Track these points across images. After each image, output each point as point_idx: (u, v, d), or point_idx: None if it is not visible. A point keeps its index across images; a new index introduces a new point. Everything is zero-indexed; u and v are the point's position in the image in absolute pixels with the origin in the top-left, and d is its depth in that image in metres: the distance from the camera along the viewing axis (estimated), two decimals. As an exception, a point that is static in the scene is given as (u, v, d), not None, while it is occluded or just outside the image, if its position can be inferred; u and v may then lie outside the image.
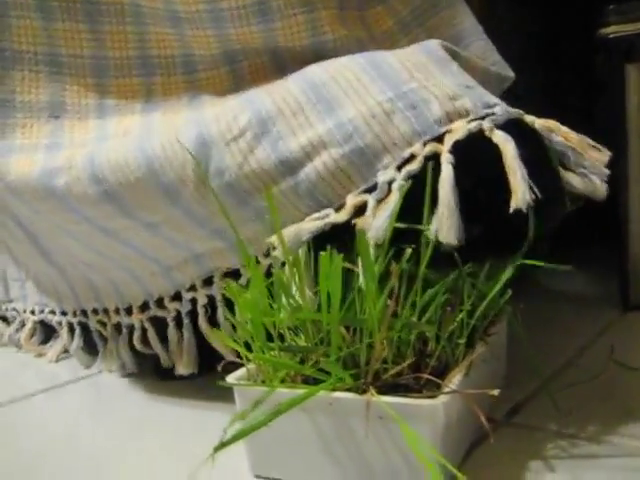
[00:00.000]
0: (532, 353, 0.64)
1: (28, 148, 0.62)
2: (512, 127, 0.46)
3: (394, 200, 0.44)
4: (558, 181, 0.48)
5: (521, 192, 0.43)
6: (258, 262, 0.53)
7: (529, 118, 0.48)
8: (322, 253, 0.42)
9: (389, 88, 0.48)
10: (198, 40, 0.63)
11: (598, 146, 0.50)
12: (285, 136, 0.49)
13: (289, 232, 0.48)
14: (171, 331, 0.62)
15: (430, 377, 0.41)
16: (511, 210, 0.43)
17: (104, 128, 0.63)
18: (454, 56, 0.53)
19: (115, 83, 0.65)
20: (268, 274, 0.51)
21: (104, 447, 0.54)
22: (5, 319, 0.82)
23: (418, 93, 0.47)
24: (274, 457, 0.46)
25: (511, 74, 0.67)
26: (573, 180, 0.49)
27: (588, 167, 0.49)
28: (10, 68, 0.67)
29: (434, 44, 0.53)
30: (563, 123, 0.50)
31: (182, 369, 0.62)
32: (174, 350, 0.62)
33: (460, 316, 0.44)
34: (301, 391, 0.41)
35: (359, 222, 0.45)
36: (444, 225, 0.43)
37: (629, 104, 0.72)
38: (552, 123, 0.49)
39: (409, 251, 0.43)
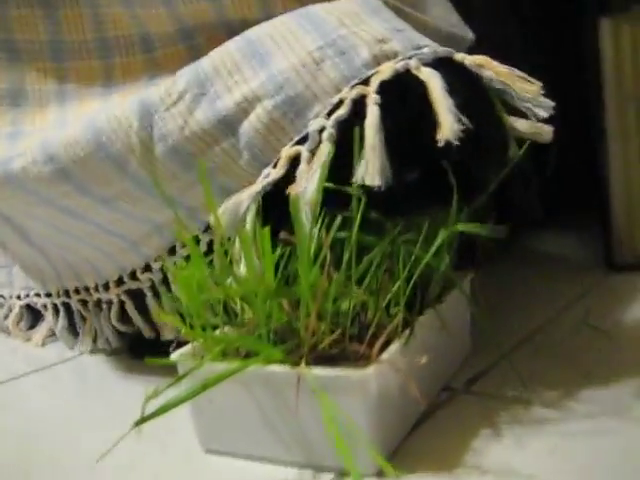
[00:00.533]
0: (498, 321, 0.64)
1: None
2: (443, 68, 0.46)
3: (324, 153, 0.44)
4: (501, 127, 0.47)
5: (448, 122, 0.42)
6: (198, 238, 0.53)
7: (458, 55, 0.48)
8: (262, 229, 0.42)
9: (319, 37, 0.48)
10: (152, 18, 0.63)
11: (529, 78, 0.49)
12: (222, 95, 0.50)
13: (228, 205, 0.48)
14: (149, 300, 0.62)
15: (356, 346, 0.41)
16: (440, 143, 0.42)
17: (64, 114, 0.63)
18: (394, 9, 0.53)
19: (74, 66, 0.65)
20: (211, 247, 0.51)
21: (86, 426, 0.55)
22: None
23: (347, 39, 0.47)
24: (220, 431, 0.46)
25: (470, 35, 0.66)
26: (518, 124, 0.48)
27: (531, 101, 0.48)
28: None
29: None
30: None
31: (168, 334, 0.62)
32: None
33: (397, 284, 0.44)
34: (233, 365, 0.41)
35: (292, 190, 0.45)
36: (369, 167, 0.43)
37: (605, 60, 0.70)
38: (482, 58, 0.48)
39: (340, 217, 0.42)
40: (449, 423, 0.47)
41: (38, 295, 0.76)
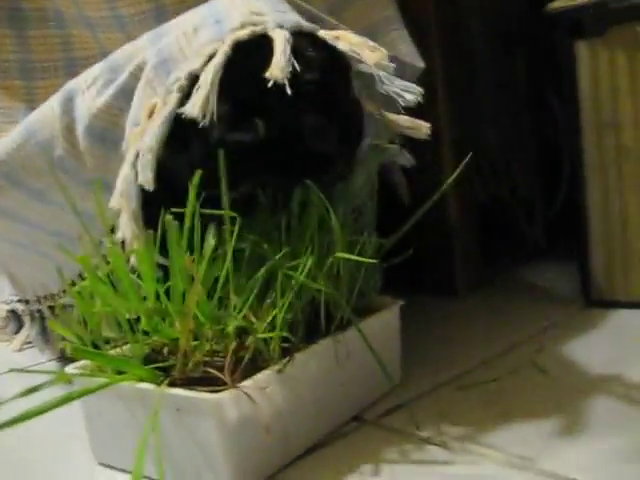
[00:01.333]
0: (444, 352, 0.62)
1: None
2: (304, 40, 0.47)
3: (171, 102, 0.45)
4: (357, 109, 0.49)
5: (278, 62, 0.43)
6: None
7: (320, 31, 0.48)
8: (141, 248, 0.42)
9: (207, 13, 0.50)
10: (111, 41, 0.65)
11: (377, 47, 0.49)
12: (122, 72, 0.51)
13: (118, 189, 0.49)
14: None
15: (212, 371, 0.40)
16: (268, 81, 0.42)
17: None
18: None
19: (42, 85, 0.68)
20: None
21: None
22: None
23: (227, 12, 0.48)
24: (109, 445, 0.46)
25: (421, 64, 0.65)
26: (396, 119, 0.50)
27: (399, 86, 0.49)
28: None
29: None
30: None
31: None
32: None
33: (274, 312, 0.43)
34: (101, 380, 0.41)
35: (130, 136, 0.46)
36: (195, 98, 0.43)
37: (581, 82, 0.66)
38: (340, 33, 0.48)
39: (212, 227, 0.42)
40: (339, 454, 0.46)
41: (20, 301, 0.79)
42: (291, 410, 0.44)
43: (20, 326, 0.83)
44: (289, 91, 0.42)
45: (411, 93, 0.49)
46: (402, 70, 0.63)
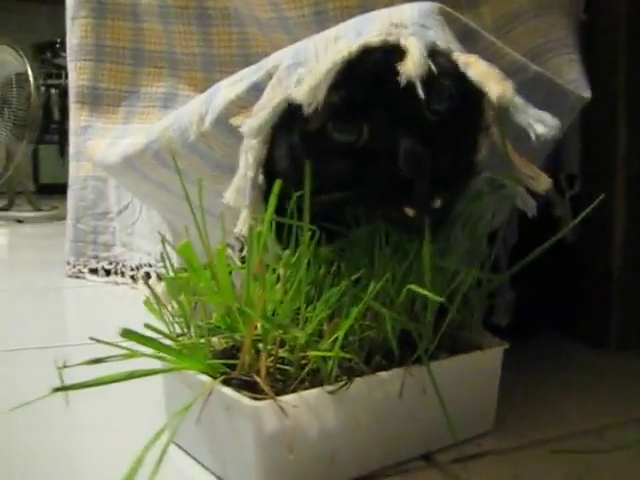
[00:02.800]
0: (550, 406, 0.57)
1: (140, 131, 0.73)
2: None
3: (283, 91, 0.46)
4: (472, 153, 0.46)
5: (413, 58, 0.41)
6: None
7: (447, 49, 0.45)
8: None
9: (352, 25, 0.49)
10: (279, 42, 0.68)
11: (504, 78, 0.45)
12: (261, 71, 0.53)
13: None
14: None
15: (255, 378, 0.41)
16: (401, 78, 0.41)
17: None
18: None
19: (220, 78, 0.73)
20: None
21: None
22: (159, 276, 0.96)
23: (370, 23, 0.48)
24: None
25: (587, 94, 0.59)
26: (518, 163, 0.46)
27: (532, 115, 0.46)
28: (140, 65, 0.79)
29: (430, 4, 0.50)
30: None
31: None
32: None
33: (336, 333, 0.42)
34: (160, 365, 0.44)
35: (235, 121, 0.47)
36: (304, 84, 0.44)
37: None
38: (471, 58, 0.45)
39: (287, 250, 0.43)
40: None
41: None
42: (342, 433, 0.43)
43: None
44: (420, 92, 0.41)
45: (544, 125, 0.45)
46: (562, 99, 0.58)
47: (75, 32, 0.80)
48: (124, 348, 0.44)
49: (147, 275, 1.05)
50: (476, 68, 0.44)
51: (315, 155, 0.46)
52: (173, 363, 0.44)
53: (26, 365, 0.71)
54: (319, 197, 0.43)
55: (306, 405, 0.41)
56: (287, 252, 0.44)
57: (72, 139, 1.18)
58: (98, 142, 0.78)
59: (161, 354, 0.44)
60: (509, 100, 0.44)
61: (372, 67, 0.45)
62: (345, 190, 0.45)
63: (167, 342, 0.45)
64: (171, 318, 0.49)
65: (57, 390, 0.41)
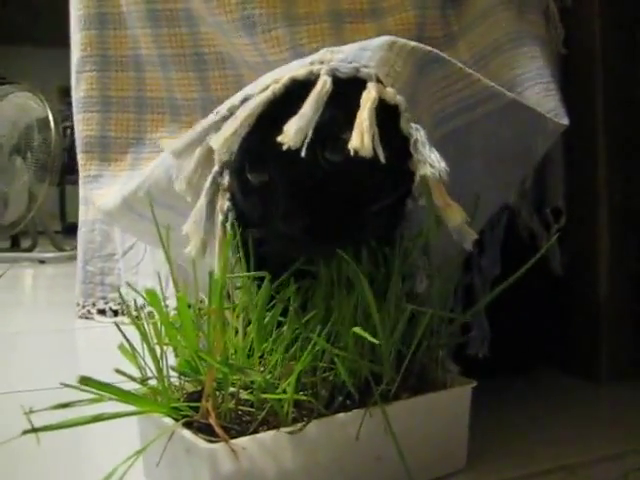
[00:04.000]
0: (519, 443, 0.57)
1: (119, 179, 0.76)
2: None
3: (240, 115, 0.47)
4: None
5: (292, 124, 0.42)
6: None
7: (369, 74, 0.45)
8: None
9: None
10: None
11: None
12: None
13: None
14: None
15: (210, 422, 0.42)
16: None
17: None
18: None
19: None
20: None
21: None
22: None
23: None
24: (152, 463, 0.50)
25: (565, 122, 0.60)
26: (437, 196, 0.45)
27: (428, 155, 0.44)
28: (144, 112, 0.82)
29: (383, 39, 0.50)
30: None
31: None
32: None
33: (291, 376, 0.43)
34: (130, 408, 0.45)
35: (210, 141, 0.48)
36: (223, 130, 0.46)
37: None
38: (400, 99, 0.45)
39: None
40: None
41: None
42: (301, 475, 0.44)
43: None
44: (303, 154, 0.42)
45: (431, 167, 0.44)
46: (544, 126, 0.59)
47: (81, 85, 0.84)
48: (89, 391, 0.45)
49: (150, 315, 1.07)
50: (437, 189, 0.44)
51: (240, 188, 0.50)
52: (137, 407, 0.45)
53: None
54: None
55: (262, 447, 0.42)
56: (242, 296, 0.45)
57: (81, 185, 1.22)
58: (107, 190, 0.81)
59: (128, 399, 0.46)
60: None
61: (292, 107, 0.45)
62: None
63: (135, 386, 0.47)
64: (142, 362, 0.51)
65: (26, 432, 0.42)
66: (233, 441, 0.41)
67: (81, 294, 1.22)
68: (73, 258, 2.32)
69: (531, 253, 0.76)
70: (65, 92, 3.44)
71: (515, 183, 0.67)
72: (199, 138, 0.51)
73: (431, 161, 0.42)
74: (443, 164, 0.42)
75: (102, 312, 1.20)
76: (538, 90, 0.62)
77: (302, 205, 0.46)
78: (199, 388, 0.49)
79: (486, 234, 0.68)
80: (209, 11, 0.71)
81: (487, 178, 0.59)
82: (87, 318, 1.20)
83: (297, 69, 0.48)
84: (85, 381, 0.40)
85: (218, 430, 0.41)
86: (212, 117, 0.51)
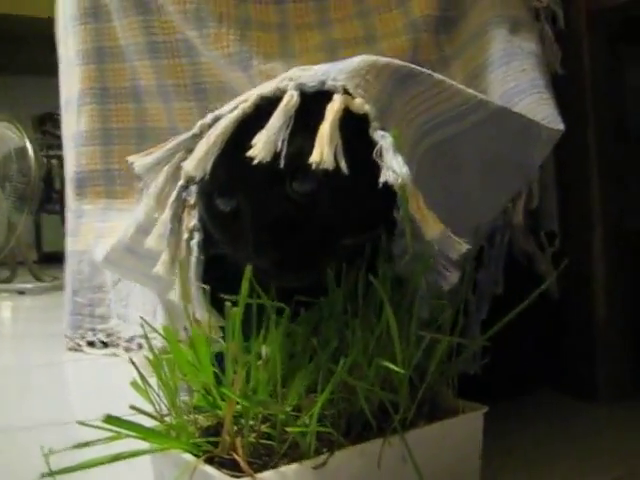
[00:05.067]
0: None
1: (127, 212, 0.76)
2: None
3: (212, 134, 0.47)
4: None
5: (260, 138, 0.42)
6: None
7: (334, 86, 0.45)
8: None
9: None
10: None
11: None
12: None
13: None
14: None
15: (235, 456, 0.42)
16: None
17: None
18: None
19: None
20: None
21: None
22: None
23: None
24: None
25: (560, 127, 0.61)
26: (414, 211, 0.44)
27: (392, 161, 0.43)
28: (145, 143, 0.82)
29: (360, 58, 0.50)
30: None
31: None
32: None
33: (313, 408, 0.43)
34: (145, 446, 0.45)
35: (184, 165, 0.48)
36: (196, 153, 0.46)
37: None
38: (369, 108, 0.44)
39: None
40: None
41: None
42: (326, 507, 0.44)
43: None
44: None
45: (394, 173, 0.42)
46: (538, 134, 0.61)
47: (82, 119, 0.84)
48: (110, 430, 0.45)
49: (140, 346, 1.06)
50: (413, 200, 0.43)
51: (209, 213, 0.50)
52: (157, 444, 0.45)
53: (13, 446, 0.72)
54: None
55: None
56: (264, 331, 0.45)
57: (70, 216, 1.21)
58: (119, 224, 0.81)
59: (146, 436, 0.45)
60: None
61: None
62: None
63: (152, 422, 0.47)
64: (157, 397, 0.51)
65: (45, 476, 0.42)
66: (258, 475, 0.41)
67: (69, 326, 1.20)
68: (53, 289, 2.31)
69: (527, 276, 0.78)
70: (40, 121, 3.42)
71: (512, 193, 0.68)
72: (168, 155, 0.51)
73: (393, 167, 0.41)
74: (405, 169, 0.41)
75: (91, 344, 1.18)
76: (532, 100, 0.63)
77: (271, 238, 0.46)
78: (214, 423, 0.49)
79: (486, 250, 0.69)
80: (204, 46, 0.72)
81: (482, 188, 0.59)
82: (76, 350, 1.19)
83: (265, 87, 0.48)
84: (109, 419, 0.40)
85: (243, 465, 0.41)
86: (182, 136, 0.51)
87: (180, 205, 0.53)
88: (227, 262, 0.53)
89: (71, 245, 1.21)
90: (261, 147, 0.42)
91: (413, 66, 0.51)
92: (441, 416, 0.51)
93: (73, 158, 0.87)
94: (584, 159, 0.74)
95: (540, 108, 0.63)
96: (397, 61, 0.50)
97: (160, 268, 0.54)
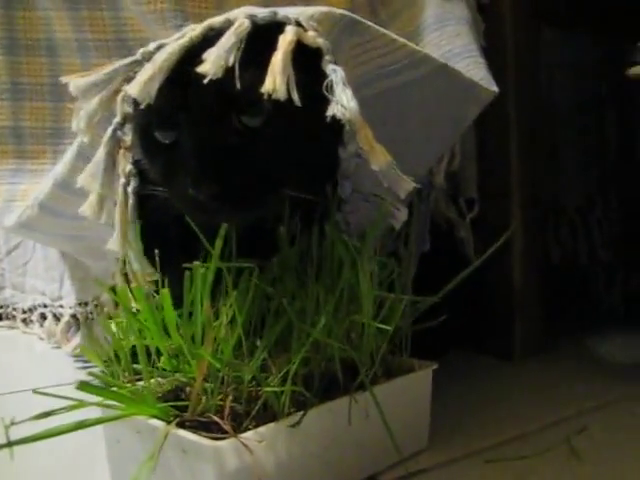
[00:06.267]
0: (478, 420, 0.60)
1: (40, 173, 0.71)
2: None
3: (158, 58, 0.44)
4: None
5: (210, 53, 0.41)
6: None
7: (286, 18, 0.44)
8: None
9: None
10: None
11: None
12: None
13: None
14: None
15: (215, 418, 0.41)
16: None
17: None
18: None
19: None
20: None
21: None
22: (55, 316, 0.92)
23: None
24: (125, 472, 0.48)
25: (494, 88, 0.63)
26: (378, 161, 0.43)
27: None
28: (61, 100, 0.77)
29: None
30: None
31: None
32: None
33: (287, 367, 0.43)
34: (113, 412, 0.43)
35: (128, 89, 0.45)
36: (140, 80, 0.43)
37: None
38: (322, 42, 0.44)
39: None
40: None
41: (80, 304, 0.84)
42: (298, 466, 0.44)
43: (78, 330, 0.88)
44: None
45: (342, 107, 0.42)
46: (478, 94, 0.63)
47: None
48: (67, 398, 0.42)
49: (42, 316, 1.00)
50: (361, 132, 0.43)
51: (145, 146, 0.48)
52: (124, 409, 0.43)
53: None
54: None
55: (258, 440, 0.42)
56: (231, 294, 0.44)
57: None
58: (28, 187, 0.74)
59: (110, 402, 0.43)
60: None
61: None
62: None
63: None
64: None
65: (2, 447, 0.39)
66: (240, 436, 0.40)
67: (-45, 298, 1.11)
68: None
69: (446, 240, 0.81)
70: None
71: (447, 147, 0.71)
72: (106, 80, 0.48)
73: (341, 101, 0.41)
74: (353, 103, 0.41)
75: (-21, 315, 1.11)
76: (467, 63, 0.65)
77: (213, 169, 0.45)
78: (172, 387, 0.48)
79: (415, 204, 0.70)
80: (133, 0, 0.68)
81: (422, 139, 0.61)
82: (-37, 323, 1.11)
83: (215, 18, 0.46)
84: (84, 386, 0.38)
85: (227, 427, 0.40)
86: (122, 61, 0.48)
87: (115, 144, 0.50)
88: (160, 210, 0.51)
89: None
90: (211, 63, 0.40)
91: (356, 16, 0.50)
92: (395, 373, 0.53)
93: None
94: (504, 129, 0.78)
95: (475, 71, 0.64)
96: (339, 10, 0.49)
97: (87, 209, 0.51)
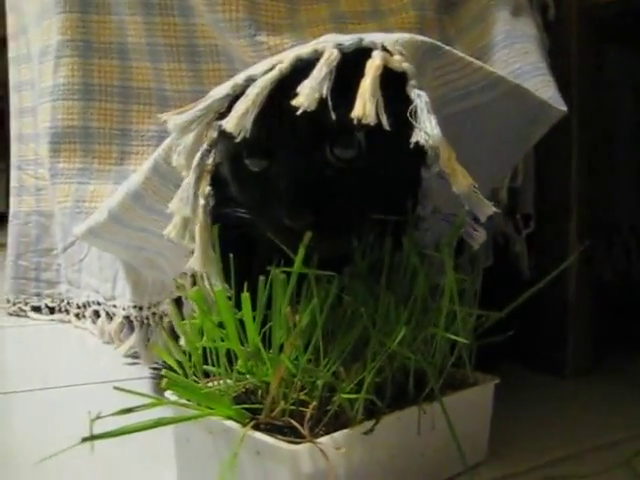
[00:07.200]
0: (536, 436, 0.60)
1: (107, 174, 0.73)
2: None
3: (251, 93, 0.45)
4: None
5: (305, 86, 0.41)
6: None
7: (372, 43, 0.45)
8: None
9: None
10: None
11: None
12: None
13: None
14: None
15: (294, 422, 0.42)
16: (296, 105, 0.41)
17: None
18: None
19: None
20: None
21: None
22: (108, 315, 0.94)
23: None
24: (193, 472, 0.49)
25: (564, 108, 0.63)
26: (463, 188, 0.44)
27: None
28: (129, 103, 0.79)
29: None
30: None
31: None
32: None
33: (362, 374, 0.44)
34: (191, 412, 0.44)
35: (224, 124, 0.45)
36: (235, 111, 0.44)
37: None
38: (407, 66, 0.45)
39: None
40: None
41: (135, 307, 0.85)
42: (366, 473, 0.45)
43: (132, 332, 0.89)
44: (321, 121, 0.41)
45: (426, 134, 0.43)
46: (548, 113, 0.63)
47: (60, 71, 0.79)
48: (146, 396, 0.44)
49: (96, 314, 1.02)
50: (444, 155, 0.44)
51: (234, 173, 0.50)
52: (201, 409, 0.44)
53: None
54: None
55: (334, 446, 0.43)
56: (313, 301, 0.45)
57: (14, 173, 1.15)
58: (99, 187, 0.76)
59: (186, 402, 0.45)
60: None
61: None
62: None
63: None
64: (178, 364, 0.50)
65: (86, 440, 0.40)
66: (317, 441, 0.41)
67: (12, 290, 1.14)
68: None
69: (503, 255, 0.81)
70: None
71: (512, 167, 0.71)
72: (202, 115, 0.50)
73: (425, 127, 0.42)
74: (437, 130, 0.42)
75: (37, 309, 1.13)
76: (536, 82, 0.65)
77: (308, 201, 0.46)
78: (243, 390, 0.49)
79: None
80: (209, 7, 0.69)
81: (492, 159, 0.61)
82: (19, 316, 1.13)
83: (302, 48, 0.47)
84: (171, 385, 0.39)
85: (305, 431, 0.41)
86: (215, 96, 0.49)
87: (202, 170, 0.52)
88: (236, 229, 0.52)
89: (15, 205, 1.15)
90: (305, 96, 0.41)
91: (435, 41, 0.52)
92: (459, 386, 0.53)
93: (47, 113, 0.82)
94: (567, 147, 0.78)
95: (544, 89, 0.65)
96: (419, 37, 0.50)
97: (172, 230, 0.52)
